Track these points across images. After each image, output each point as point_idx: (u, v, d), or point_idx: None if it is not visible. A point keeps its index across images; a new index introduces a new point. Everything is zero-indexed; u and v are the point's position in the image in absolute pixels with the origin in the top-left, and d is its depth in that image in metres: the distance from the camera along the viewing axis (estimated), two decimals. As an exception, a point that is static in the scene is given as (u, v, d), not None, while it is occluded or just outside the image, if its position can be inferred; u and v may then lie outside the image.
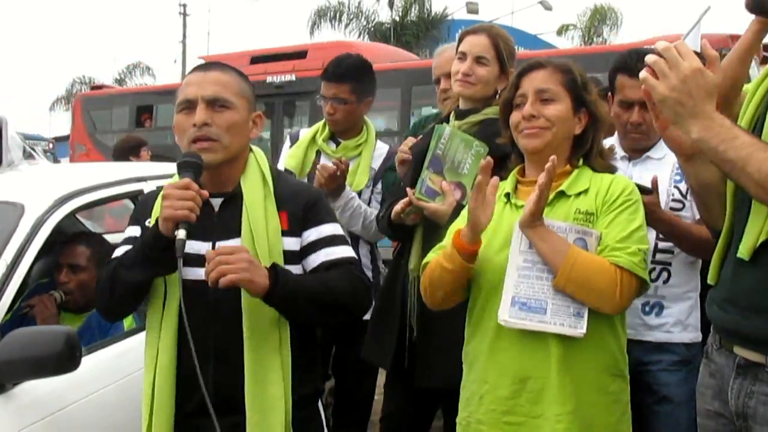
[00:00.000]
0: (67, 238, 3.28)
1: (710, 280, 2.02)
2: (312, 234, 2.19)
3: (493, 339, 2.20)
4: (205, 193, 2.05)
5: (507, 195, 2.30)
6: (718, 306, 1.96)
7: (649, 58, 1.73)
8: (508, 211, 2.28)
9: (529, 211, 2.10)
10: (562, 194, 2.23)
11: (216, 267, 1.95)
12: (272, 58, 12.53)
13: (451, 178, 2.73)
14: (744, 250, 1.83)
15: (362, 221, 3.41)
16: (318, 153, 3.61)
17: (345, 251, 2.22)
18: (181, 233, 1.98)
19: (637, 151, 2.83)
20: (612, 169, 2.34)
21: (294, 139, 3.75)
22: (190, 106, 2.13)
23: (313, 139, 3.62)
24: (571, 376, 2.12)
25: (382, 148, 3.64)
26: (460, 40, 2.97)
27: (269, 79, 12.02)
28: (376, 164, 3.58)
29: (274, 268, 2.05)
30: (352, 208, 3.37)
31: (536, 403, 2.13)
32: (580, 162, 2.30)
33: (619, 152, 2.86)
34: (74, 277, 3.17)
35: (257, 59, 12.47)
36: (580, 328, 2.09)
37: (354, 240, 3.36)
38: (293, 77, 12.01)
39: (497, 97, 2.86)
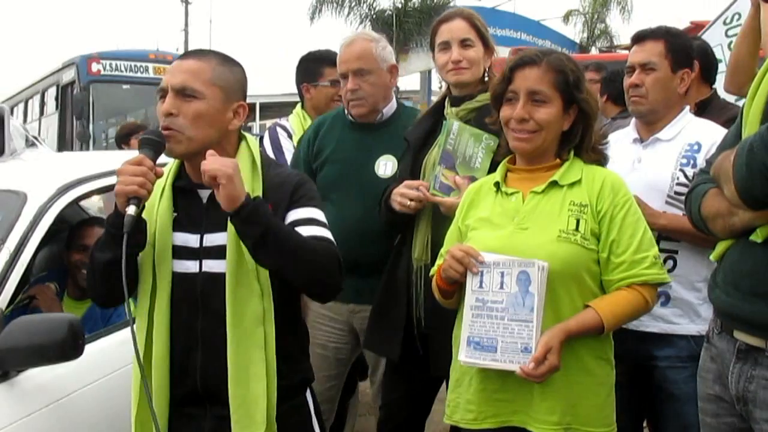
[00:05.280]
0: (85, 221, 3.33)
1: (713, 257, 2.03)
2: (291, 216, 2.15)
3: None
4: (160, 170, 2.04)
5: (497, 184, 2.33)
6: (720, 290, 1.97)
7: None
8: (500, 198, 2.31)
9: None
10: (554, 184, 2.26)
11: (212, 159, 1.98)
12: None
13: (464, 172, 2.72)
14: (759, 232, 1.83)
15: None
16: None
17: (322, 231, 2.15)
18: (130, 209, 1.98)
19: (646, 131, 2.84)
20: (602, 161, 2.35)
21: (287, 131, 3.81)
22: (163, 94, 2.11)
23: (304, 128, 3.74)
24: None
25: None
26: (435, 32, 2.93)
27: None
28: None
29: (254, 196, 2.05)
30: None
31: (526, 381, 2.16)
32: (571, 154, 2.31)
33: (632, 135, 2.88)
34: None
35: None
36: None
37: None
38: None
39: (485, 78, 2.88)
